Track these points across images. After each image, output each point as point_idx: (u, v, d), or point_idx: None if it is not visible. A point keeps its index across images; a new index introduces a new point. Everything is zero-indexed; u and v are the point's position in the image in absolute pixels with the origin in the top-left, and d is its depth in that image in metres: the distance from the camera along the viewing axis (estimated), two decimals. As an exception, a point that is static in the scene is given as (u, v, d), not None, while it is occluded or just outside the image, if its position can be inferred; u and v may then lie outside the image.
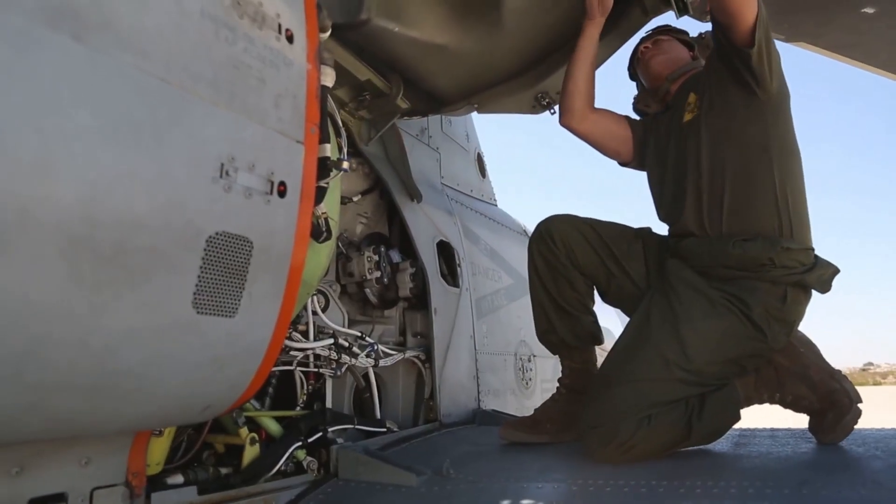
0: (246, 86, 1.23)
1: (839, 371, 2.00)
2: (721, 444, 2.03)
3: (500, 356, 3.40)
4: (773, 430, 2.25)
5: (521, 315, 3.74)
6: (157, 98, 1.06)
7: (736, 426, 2.02)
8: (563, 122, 2.47)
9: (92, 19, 0.97)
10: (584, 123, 2.43)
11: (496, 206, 4.26)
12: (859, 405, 1.93)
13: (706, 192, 2.08)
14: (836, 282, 2.00)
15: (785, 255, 1.91)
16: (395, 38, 2.32)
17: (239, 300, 1.24)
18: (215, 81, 1.17)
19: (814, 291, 2.01)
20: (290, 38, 1.36)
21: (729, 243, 1.98)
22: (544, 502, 1.67)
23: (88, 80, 0.96)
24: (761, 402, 2.05)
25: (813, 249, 2.01)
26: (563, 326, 2.27)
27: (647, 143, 2.41)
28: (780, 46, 2.23)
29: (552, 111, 2.75)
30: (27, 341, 0.96)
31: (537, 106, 2.79)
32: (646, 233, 2.32)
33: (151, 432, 1.51)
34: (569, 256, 2.24)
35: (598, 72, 2.46)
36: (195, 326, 1.18)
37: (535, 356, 3.80)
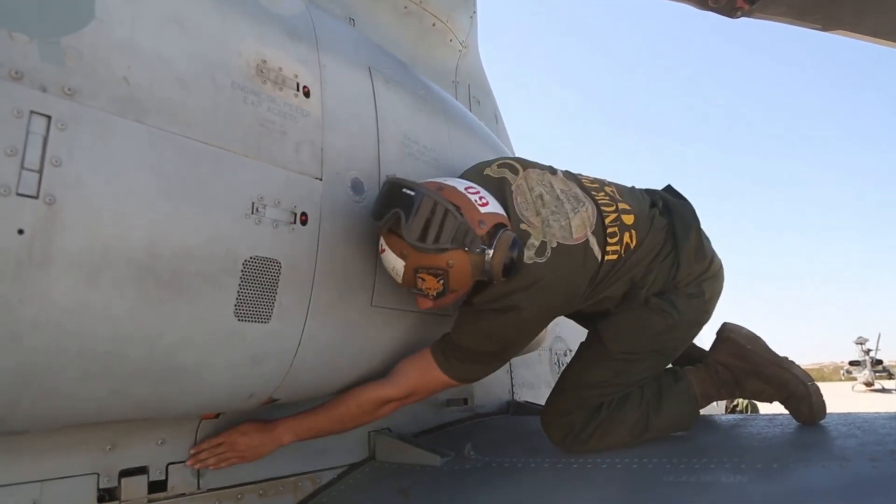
0: (270, 138, 1.54)
1: (785, 358, 2.14)
2: (718, 428, 2.20)
3: (533, 352, 3.62)
4: (772, 415, 2.39)
5: (555, 313, 3.94)
6: (200, 156, 1.38)
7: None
8: None
9: (149, 105, 1.30)
10: None
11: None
12: (811, 384, 2.06)
13: None
14: None
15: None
16: None
17: (272, 309, 1.55)
18: (245, 138, 1.48)
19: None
20: (307, 94, 1.66)
21: None
22: (544, 476, 1.92)
23: (148, 150, 1.29)
24: (721, 398, 2.24)
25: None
26: None
27: None
28: (817, 36, 2.23)
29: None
30: (111, 343, 1.30)
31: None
32: None
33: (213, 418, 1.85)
34: None
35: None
36: (237, 331, 1.50)
37: (570, 351, 3.99)
